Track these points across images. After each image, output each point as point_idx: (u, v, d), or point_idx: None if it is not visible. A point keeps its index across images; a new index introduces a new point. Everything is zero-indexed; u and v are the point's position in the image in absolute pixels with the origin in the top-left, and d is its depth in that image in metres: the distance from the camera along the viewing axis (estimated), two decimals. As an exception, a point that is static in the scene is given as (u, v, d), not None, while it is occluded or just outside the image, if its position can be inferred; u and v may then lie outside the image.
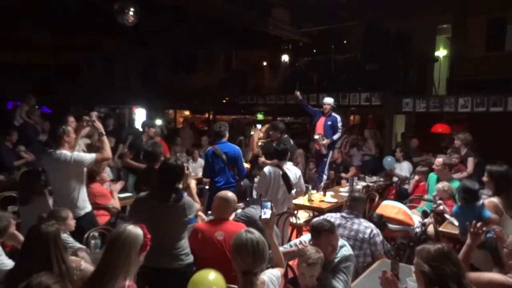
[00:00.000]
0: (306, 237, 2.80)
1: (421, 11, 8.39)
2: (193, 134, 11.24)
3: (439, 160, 4.64)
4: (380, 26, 9.14)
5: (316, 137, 6.34)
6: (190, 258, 2.67)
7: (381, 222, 3.73)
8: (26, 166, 5.91)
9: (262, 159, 5.56)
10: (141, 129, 10.05)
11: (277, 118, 12.06)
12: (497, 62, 8.22)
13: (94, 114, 3.80)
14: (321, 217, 3.71)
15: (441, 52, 10.90)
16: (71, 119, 4.82)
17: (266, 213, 2.87)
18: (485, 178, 3.64)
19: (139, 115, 15.70)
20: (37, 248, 2.07)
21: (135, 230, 1.91)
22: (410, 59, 9.10)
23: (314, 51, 10.35)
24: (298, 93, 6.81)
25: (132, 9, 5.91)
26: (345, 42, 9.93)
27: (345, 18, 8.81)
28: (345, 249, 2.63)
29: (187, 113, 17.81)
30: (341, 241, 2.68)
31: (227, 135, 4.88)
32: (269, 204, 3.10)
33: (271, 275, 2.11)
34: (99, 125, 3.73)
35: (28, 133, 6.47)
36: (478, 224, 2.45)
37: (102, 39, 11.16)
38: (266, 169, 4.45)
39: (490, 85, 7.81)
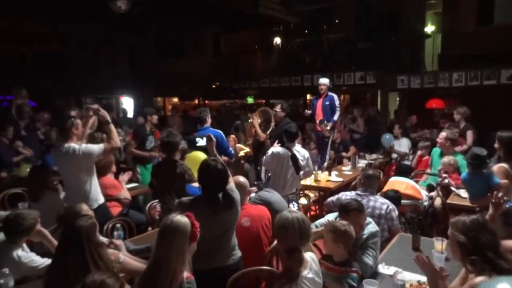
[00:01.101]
0: (332, 216, 2.85)
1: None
2: (185, 121, 11.15)
3: (443, 134, 4.73)
4: (371, 4, 9.11)
5: (319, 123, 6.33)
6: (239, 252, 2.59)
7: (397, 196, 3.79)
8: (25, 161, 5.77)
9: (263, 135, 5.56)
10: (130, 117, 10.02)
11: (269, 101, 12.08)
12: (488, 36, 8.33)
13: (96, 105, 3.74)
14: (336, 196, 3.79)
15: (429, 28, 10.97)
16: (73, 113, 4.71)
17: (295, 207, 2.91)
18: (496, 145, 3.76)
19: (127, 104, 15.45)
20: (71, 244, 2.06)
21: (182, 219, 1.94)
22: (402, 36, 9.14)
23: (306, 31, 10.28)
24: (308, 112, 6.71)
25: (124, -5, 5.74)
26: (337, 21, 9.88)
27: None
28: (371, 226, 2.70)
29: (176, 100, 17.62)
30: (366, 219, 2.73)
31: (209, 120, 4.81)
32: (295, 198, 3.15)
33: (310, 254, 2.16)
34: (104, 113, 3.66)
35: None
36: (500, 194, 2.52)
37: (87, 27, 10.83)
38: (275, 150, 4.47)
39: (482, 59, 7.93)
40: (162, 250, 1.88)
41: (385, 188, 4.55)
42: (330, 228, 2.40)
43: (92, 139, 5.08)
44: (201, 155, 4.15)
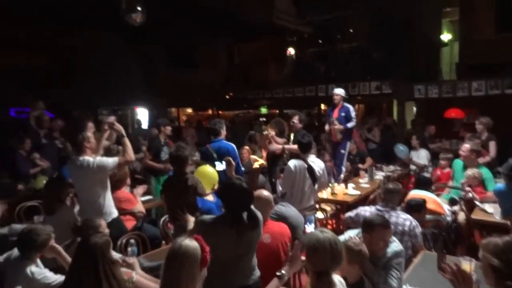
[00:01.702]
0: (352, 232, 2.73)
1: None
2: (199, 132, 11.16)
3: (467, 146, 4.56)
4: (385, 13, 9.01)
5: (330, 122, 6.25)
6: (258, 271, 2.50)
7: (419, 203, 3.64)
8: (42, 173, 5.81)
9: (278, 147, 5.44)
10: (145, 128, 10.06)
11: (283, 111, 12.01)
12: (507, 44, 8.12)
13: (112, 118, 3.74)
14: (354, 211, 3.67)
15: (446, 36, 10.80)
16: (90, 124, 4.73)
17: (310, 226, 2.81)
18: None
19: (142, 115, 15.60)
20: (85, 262, 2.01)
21: (191, 243, 1.81)
22: (418, 45, 9.00)
23: (320, 41, 10.23)
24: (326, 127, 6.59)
25: (139, 8, 5.77)
26: (351, 31, 9.80)
27: (350, 6, 8.69)
28: (395, 245, 2.58)
29: (190, 110, 17.72)
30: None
31: (223, 132, 4.74)
32: (313, 218, 3.06)
33: (338, 278, 2.05)
34: (119, 127, 3.70)
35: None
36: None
37: (102, 38, 11.01)
38: (291, 164, 4.39)
39: (501, 68, 7.72)
40: (170, 278, 1.75)
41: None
42: (344, 249, 2.28)
43: (108, 152, 5.09)
44: (210, 169, 4.10)
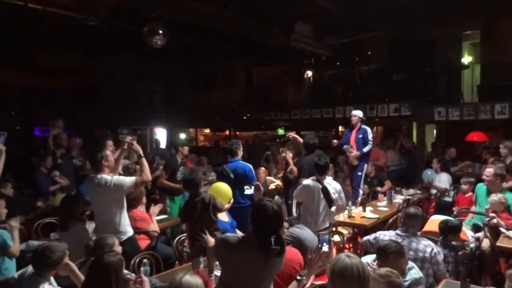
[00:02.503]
0: (369, 258, 2.64)
1: (448, 18, 8.23)
2: (216, 152, 11.24)
3: (490, 170, 4.40)
4: (405, 36, 9.00)
5: (345, 146, 6.20)
6: None
7: (456, 224, 3.53)
8: (60, 191, 5.92)
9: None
10: (163, 148, 10.21)
11: (300, 132, 11.98)
12: (530, 66, 7.94)
13: (129, 138, 3.79)
14: (373, 235, 3.55)
15: (466, 59, 10.67)
16: (110, 142, 4.81)
17: (326, 246, 2.72)
18: None
19: (160, 135, 15.85)
20: (99, 281, 2.00)
21: (193, 279, 1.76)
22: (438, 67, 8.91)
23: (338, 63, 10.25)
24: (335, 142, 6.63)
25: (161, 32, 5.95)
26: (369, 53, 9.80)
27: (369, 29, 8.71)
28: (414, 272, 2.47)
29: (207, 131, 17.91)
30: (409, 263, 2.51)
31: (240, 153, 4.78)
32: (327, 237, 2.98)
33: None
34: (137, 147, 3.74)
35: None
36: None
37: (123, 59, 11.36)
38: (305, 183, 4.35)
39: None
40: None
41: (426, 228, 4.26)
42: (386, 280, 2.17)
43: (126, 170, 5.17)
44: (224, 186, 4.11)
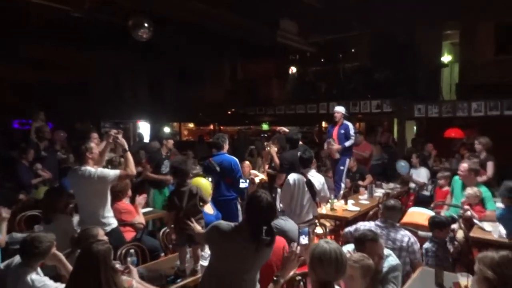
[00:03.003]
0: (350, 247, 2.76)
1: (428, 19, 8.45)
2: (200, 147, 11.24)
3: (465, 166, 4.60)
4: (387, 34, 9.21)
5: (327, 140, 6.35)
6: (258, 285, 2.45)
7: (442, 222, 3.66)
8: (43, 184, 5.85)
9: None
10: (146, 142, 10.17)
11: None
12: (506, 66, 8.27)
13: (114, 131, 3.78)
14: (353, 226, 3.69)
15: (446, 58, 10.98)
16: (95, 135, 4.78)
17: (305, 239, 2.82)
18: None
19: (144, 128, 15.72)
20: (88, 269, 2.03)
21: None
22: (419, 65, 9.15)
23: (322, 60, 10.40)
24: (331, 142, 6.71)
25: (146, 25, 5.93)
26: (352, 50, 9.99)
27: (353, 27, 8.87)
28: (391, 259, 2.60)
29: (191, 125, 17.85)
30: (386, 251, 2.65)
31: (226, 146, 4.81)
32: (307, 230, 3.09)
33: None
34: (123, 141, 3.70)
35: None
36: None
37: (108, 54, 11.22)
38: (291, 177, 4.44)
39: (500, 89, 7.83)
40: None
41: (404, 220, 4.43)
42: (360, 265, 2.31)
43: (110, 163, 5.15)
44: (204, 180, 4.18)
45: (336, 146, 6.25)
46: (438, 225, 3.61)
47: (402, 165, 7.03)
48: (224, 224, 2.40)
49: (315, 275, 1.97)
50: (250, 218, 2.30)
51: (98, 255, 2.04)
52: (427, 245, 3.60)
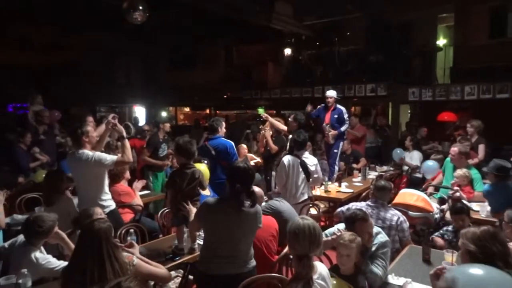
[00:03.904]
0: (341, 226, 2.87)
1: (424, 1, 8.44)
2: (196, 131, 11.28)
3: (455, 149, 4.70)
4: (382, 18, 9.19)
5: (323, 125, 6.39)
6: (254, 262, 2.60)
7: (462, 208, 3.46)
8: (41, 167, 5.91)
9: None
10: (141, 125, 10.18)
11: (280, 111, 12.15)
12: (500, 50, 8.32)
13: (111, 115, 3.81)
14: (346, 206, 3.81)
15: (441, 41, 10.99)
16: (90, 118, 4.81)
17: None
18: None
19: (139, 113, 15.70)
20: (90, 245, 2.11)
21: None
22: (413, 49, 9.18)
23: (318, 44, 10.39)
24: (309, 108, 6.74)
25: (141, 7, 5.89)
26: (348, 34, 9.97)
27: (348, 10, 8.85)
28: (381, 236, 2.72)
29: (187, 109, 17.84)
30: (376, 229, 2.76)
31: (221, 130, 4.86)
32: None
33: (324, 269, 2.17)
34: (120, 128, 3.71)
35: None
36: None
37: (102, 36, 11.11)
38: (285, 159, 4.54)
39: (494, 73, 7.90)
40: None
41: (396, 200, 4.54)
42: (356, 244, 2.44)
43: (107, 147, 5.20)
44: (202, 167, 4.25)
45: (333, 132, 6.29)
46: (457, 210, 3.42)
47: (397, 152, 7.17)
48: (211, 199, 2.61)
49: (293, 249, 2.11)
50: (232, 186, 2.49)
51: (100, 231, 2.11)
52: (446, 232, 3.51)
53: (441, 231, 3.57)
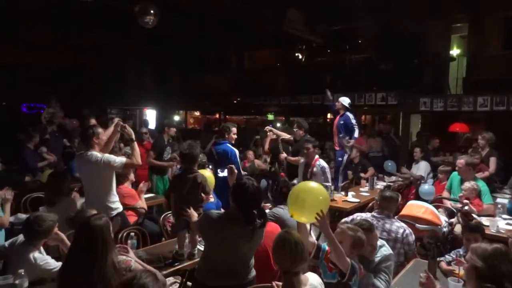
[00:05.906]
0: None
1: (437, 11, 8.35)
2: (205, 135, 11.29)
3: (461, 161, 4.60)
4: (395, 26, 9.11)
5: (340, 137, 6.31)
6: (254, 271, 2.55)
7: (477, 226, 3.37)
8: (48, 167, 5.96)
9: (284, 155, 5.72)
10: (151, 128, 10.24)
11: (289, 118, 12.11)
12: (515, 61, 8.15)
13: (117, 119, 3.81)
14: (350, 217, 3.73)
15: (454, 51, 10.84)
16: (93, 121, 4.83)
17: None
18: None
19: (150, 116, 15.79)
20: (85, 241, 2.08)
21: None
22: (425, 58, 9.06)
23: (328, 51, 10.35)
24: (328, 93, 6.75)
25: (152, 11, 5.94)
26: (359, 42, 9.91)
27: (360, 18, 8.80)
28: (384, 249, 2.65)
29: (197, 113, 17.90)
30: (380, 241, 2.69)
31: (229, 136, 4.83)
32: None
33: (316, 279, 2.11)
34: (130, 131, 3.72)
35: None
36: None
37: (115, 39, 11.24)
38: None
39: (508, 84, 7.74)
40: None
41: (403, 212, 4.45)
42: (353, 233, 2.39)
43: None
44: (208, 173, 4.21)
45: (351, 142, 6.18)
46: (473, 229, 3.26)
47: (389, 165, 7.10)
48: (214, 213, 2.50)
49: (278, 264, 2.09)
50: (242, 206, 2.38)
51: (96, 228, 2.07)
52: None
53: (452, 254, 3.26)
